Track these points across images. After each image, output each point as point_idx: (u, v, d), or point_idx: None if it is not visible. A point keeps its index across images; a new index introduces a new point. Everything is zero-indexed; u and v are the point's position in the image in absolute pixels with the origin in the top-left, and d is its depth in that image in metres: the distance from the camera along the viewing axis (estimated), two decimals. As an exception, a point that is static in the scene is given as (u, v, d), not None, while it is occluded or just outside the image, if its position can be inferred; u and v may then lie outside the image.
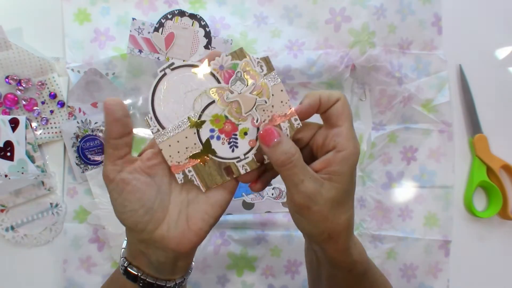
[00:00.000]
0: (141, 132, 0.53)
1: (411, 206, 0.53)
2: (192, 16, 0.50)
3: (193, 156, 0.32)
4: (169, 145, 0.32)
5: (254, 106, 0.31)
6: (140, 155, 0.33)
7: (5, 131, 0.49)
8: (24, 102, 0.51)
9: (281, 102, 0.31)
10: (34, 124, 0.51)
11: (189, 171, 0.32)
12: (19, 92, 0.51)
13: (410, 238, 0.53)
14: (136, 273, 0.33)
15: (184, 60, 0.32)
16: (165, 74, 0.31)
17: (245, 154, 0.32)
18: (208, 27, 0.50)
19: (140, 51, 0.50)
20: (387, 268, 0.53)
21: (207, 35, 0.50)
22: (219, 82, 0.31)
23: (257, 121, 0.32)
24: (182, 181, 0.32)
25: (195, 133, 0.32)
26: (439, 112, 0.53)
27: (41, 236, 0.51)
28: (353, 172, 0.31)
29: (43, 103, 0.52)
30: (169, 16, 0.50)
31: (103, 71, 0.51)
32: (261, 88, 0.31)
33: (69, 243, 0.52)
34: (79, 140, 0.51)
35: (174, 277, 0.34)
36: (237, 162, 0.32)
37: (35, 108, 0.51)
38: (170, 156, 0.32)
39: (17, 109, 0.51)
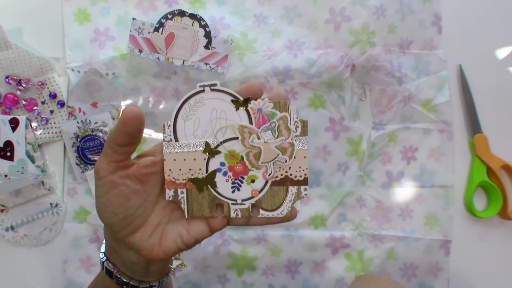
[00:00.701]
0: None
1: (411, 205, 0.53)
2: (192, 16, 0.50)
3: (193, 180, 0.31)
4: (174, 159, 0.31)
5: (273, 159, 0.31)
6: (139, 156, 0.32)
7: (5, 131, 0.49)
8: (24, 102, 0.51)
9: (300, 167, 0.31)
10: (34, 124, 0.51)
11: (182, 193, 0.32)
12: (19, 92, 0.51)
13: (410, 237, 0.53)
14: (112, 270, 0.33)
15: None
16: (203, 90, 0.31)
17: (243, 200, 0.32)
18: (208, 27, 0.50)
19: (140, 51, 0.50)
20: (387, 267, 0.53)
21: (207, 35, 0.50)
22: (250, 122, 0.31)
23: (269, 175, 0.31)
24: (170, 199, 0.32)
25: (205, 159, 0.31)
26: (439, 112, 0.53)
27: (41, 236, 0.51)
28: None
29: (43, 103, 0.52)
30: (169, 16, 0.50)
31: (103, 71, 0.51)
32: (287, 146, 0.31)
33: (69, 243, 0.52)
34: (79, 140, 0.51)
35: (148, 279, 0.34)
36: (232, 204, 0.32)
37: (35, 108, 0.51)
38: (170, 170, 0.31)
39: (17, 109, 0.51)
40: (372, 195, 0.53)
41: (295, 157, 0.31)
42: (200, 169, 0.31)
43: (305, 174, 0.31)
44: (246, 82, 0.52)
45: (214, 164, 0.31)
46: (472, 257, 0.54)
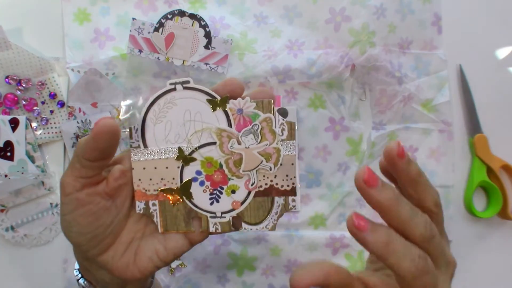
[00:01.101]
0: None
1: (411, 206, 0.53)
2: (192, 16, 0.50)
3: (165, 191, 0.28)
4: (144, 168, 0.28)
5: (256, 167, 0.27)
6: (112, 164, 0.29)
7: (5, 131, 0.49)
8: (24, 102, 0.51)
9: (287, 175, 0.28)
10: (34, 124, 0.51)
11: (153, 205, 0.28)
12: (19, 92, 0.51)
13: (410, 238, 0.53)
14: None
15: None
16: (174, 89, 0.27)
17: (223, 213, 0.28)
18: (208, 27, 0.50)
19: (140, 51, 0.50)
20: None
21: (207, 35, 0.50)
22: (230, 125, 0.27)
23: (251, 185, 0.28)
24: (141, 212, 0.29)
25: (178, 167, 0.28)
26: (439, 112, 0.53)
27: (41, 236, 0.51)
28: None
29: (43, 103, 0.52)
30: (169, 16, 0.50)
31: (103, 71, 0.51)
32: (272, 152, 0.27)
33: (69, 243, 0.52)
34: (79, 140, 0.51)
35: None
36: (211, 217, 0.28)
37: (35, 108, 0.51)
38: (139, 179, 0.28)
39: (17, 109, 0.51)
40: (372, 195, 0.53)
41: (281, 164, 0.27)
42: (173, 179, 0.28)
43: (293, 184, 0.28)
44: (246, 82, 0.52)
45: (189, 172, 0.28)
46: (472, 257, 0.54)
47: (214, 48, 0.50)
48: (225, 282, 0.53)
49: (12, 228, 0.51)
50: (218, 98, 0.27)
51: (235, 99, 0.27)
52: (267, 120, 0.27)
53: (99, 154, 0.26)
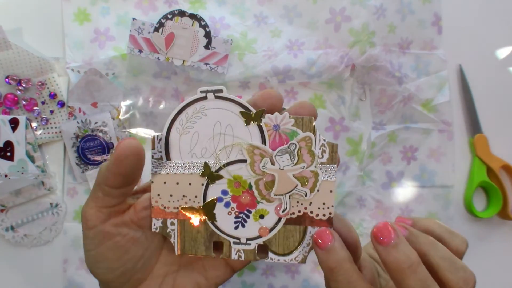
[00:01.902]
0: (142, 132, 0.53)
1: (411, 205, 0.53)
2: (192, 16, 0.50)
3: (186, 210, 0.25)
4: (164, 182, 0.25)
5: (290, 191, 0.25)
6: (134, 194, 0.27)
7: (5, 131, 0.49)
8: (24, 102, 0.51)
9: (324, 204, 0.25)
10: (34, 124, 0.51)
11: (172, 224, 0.26)
12: (19, 92, 0.51)
13: (410, 238, 0.53)
14: None
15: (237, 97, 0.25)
16: (205, 97, 0.25)
17: (248, 239, 0.26)
18: (208, 27, 0.50)
19: (140, 51, 0.50)
20: (387, 268, 0.53)
21: (207, 35, 0.50)
22: (264, 142, 0.25)
23: (283, 211, 0.25)
24: (157, 230, 0.26)
25: (203, 184, 0.25)
26: (439, 112, 0.53)
27: (41, 236, 0.51)
28: None
29: (43, 103, 0.52)
30: (169, 16, 0.50)
31: (103, 71, 0.51)
32: (309, 176, 0.25)
33: (69, 243, 0.52)
34: (79, 140, 0.51)
35: None
36: (234, 243, 0.26)
37: (35, 108, 0.51)
38: (158, 195, 0.25)
39: (17, 109, 0.51)
40: (372, 195, 0.53)
41: (318, 190, 0.25)
42: (196, 197, 0.25)
43: (330, 214, 0.25)
44: (246, 82, 0.52)
45: (214, 191, 0.25)
46: (472, 257, 0.54)
47: (214, 48, 0.50)
48: (225, 282, 0.53)
49: (12, 228, 0.51)
50: (253, 111, 0.24)
51: (272, 113, 0.24)
52: (307, 139, 0.25)
53: (123, 180, 0.24)
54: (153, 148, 0.25)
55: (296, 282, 0.53)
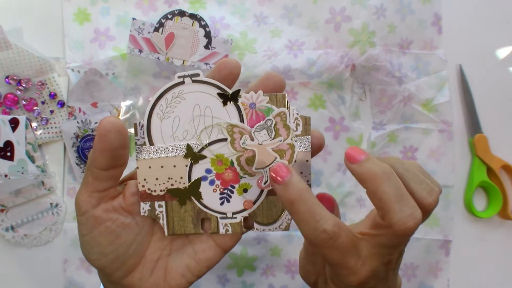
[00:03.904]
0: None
1: (411, 206, 0.53)
2: (192, 16, 0.50)
3: (172, 192, 0.26)
4: (149, 167, 0.26)
5: (269, 165, 0.26)
6: (121, 182, 0.28)
7: (5, 131, 0.49)
8: (24, 102, 0.51)
9: (301, 173, 0.26)
10: (34, 124, 0.51)
11: (160, 206, 0.27)
12: (19, 92, 0.51)
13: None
14: None
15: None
16: (182, 82, 0.26)
17: (234, 213, 0.27)
18: (208, 27, 0.50)
19: (140, 51, 0.50)
20: (387, 268, 0.53)
21: (207, 35, 0.50)
22: (242, 120, 0.26)
23: (264, 183, 0.27)
24: (146, 214, 0.27)
25: (187, 165, 0.26)
26: (439, 112, 0.53)
27: (41, 236, 0.51)
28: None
29: (43, 103, 0.52)
30: (169, 16, 0.50)
31: (103, 71, 0.51)
32: (286, 148, 0.26)
33: (69, 243, 0.52)
34: (79, 140, 0.51)
35: None
36: (221, 218, 0.27)
37: (35, 108, 0.51)
38: (144, 179, 0.26)
39: (17, 109, 0.51)
40: (372, 195, 0.53)
41: (295, 161, 0.26)
42: (181, 178, 0.26)
43: (308, 181, 0.26)
44: (246, 82, 0.52)
45: (199, 171, 0.26)
46: (472, 257, 0.54)
47: (214, 48, 0.50)
48: (225, 282, 0.53)
49: (12, 228, 0.51)
50: (229, 91, 0.25)
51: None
52: (281, 114, 0.26)
53: (110, 159, 0.25)
54: (136, 134, 0.26)
55: (296, 282, 0.53)
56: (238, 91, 0.26)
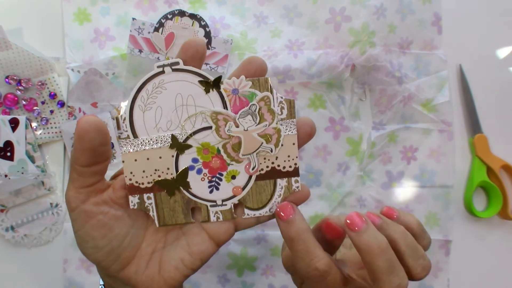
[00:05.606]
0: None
1: (411, 205, 0.53)
2: (192, 16, 0.50)
3: (160, 183, 0.26)
4: (135, 160, 0.26)
5: (256, 150, 0.26)
6: (115, 177, 0.29)
7: (5, 131, 0.49)
8: (24, 102, 0.51)
9: (288, 156, 0.26)
10: (34, 124, 0.51)
11: (148, 198, 0.26)
12: (19, 92, 0.51)
13: (410, 238, 0.53)
14: None
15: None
16: (163, 72, 0.26)
17: (223, 200, 0.27)
18: (208, 27, 0.50)
19: (140, 51, 0.50)
20: (387, 268, 0.53)
21: (207, 35, 0.50)
22: (225, 107, 0.25)
23: (252, 169, 0.26)
24: (135, 207, 0.27)
25: (173, 156, 0.26)
26: (439, 112, 0.53)
27: (41, 236, 0.51)
28: None
29: (43, 103, 0.52)
30: (169, 16, 0.50)
31: (103, 71, 0.51)
32: (272, 133, 0.26)
33: (69, 243, 0.52)
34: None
35: None
36: (211, 206, 0.27)
37: (35, 108, 0.51)
38: (131, 173, 0.26)
39: (17, 109, 0.51)
40: (372, 195, 0.53)
41: (282, 145, 0.26)
42: (168, 169, 0.26)
43: (295, 164, 0.26)
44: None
45: (185, 161, 0.26)
46: (472, 257, 0.54)
47: (214, 48, 0.50)
48: (225, 282, 0.53)
49: (12, 228, 0.51)
50: (211, 78, 0.25)
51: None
52: (265, 99, 0.25)
53: (91, 156, 0.25)
54: (119, 128, 0.26)
55: (296, 282, 0.53)
56: (220, 77, 0.25)
